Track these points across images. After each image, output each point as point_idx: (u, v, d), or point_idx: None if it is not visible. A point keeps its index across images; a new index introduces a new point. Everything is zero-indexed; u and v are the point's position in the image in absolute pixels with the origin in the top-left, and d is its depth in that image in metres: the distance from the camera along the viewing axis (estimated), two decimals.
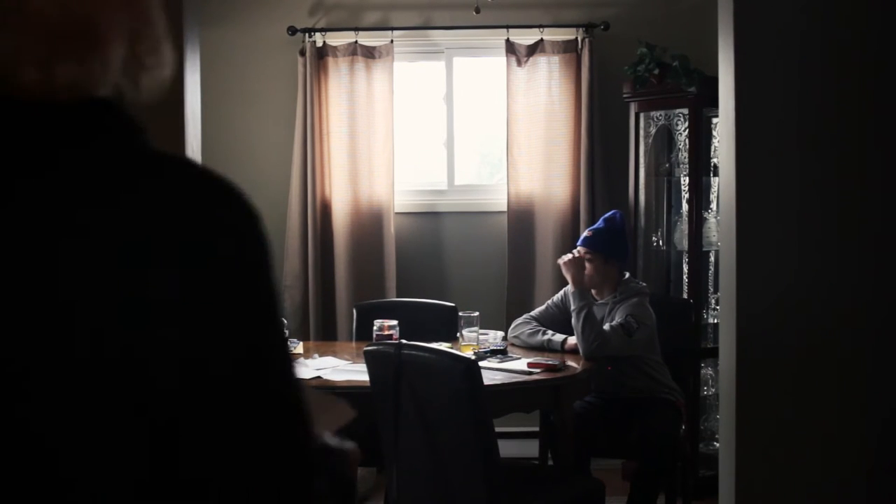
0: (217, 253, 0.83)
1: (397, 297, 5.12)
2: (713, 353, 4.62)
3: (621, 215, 4.32)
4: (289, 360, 0.90)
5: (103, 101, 0.85)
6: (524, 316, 4.36)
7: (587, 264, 4.18)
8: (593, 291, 4.24)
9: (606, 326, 4.04)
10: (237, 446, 0.84)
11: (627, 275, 4.25)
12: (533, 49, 5.23)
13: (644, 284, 4.33)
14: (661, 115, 4.99)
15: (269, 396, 0.86)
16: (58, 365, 0.79)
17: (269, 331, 0.87)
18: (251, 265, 0.86)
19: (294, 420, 0.87)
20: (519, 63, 5.24)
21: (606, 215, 4.33)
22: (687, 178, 4.85)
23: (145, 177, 0.83)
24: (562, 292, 4.38)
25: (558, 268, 5.18)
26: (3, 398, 0.79)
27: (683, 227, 4.90)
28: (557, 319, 4.28)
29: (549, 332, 4.20)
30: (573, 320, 4.04)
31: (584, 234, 4.30)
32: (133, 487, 0.82)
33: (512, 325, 4.35)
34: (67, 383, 0.80)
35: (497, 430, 3.21)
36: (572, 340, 4.09)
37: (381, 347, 3.37)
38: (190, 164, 0.87)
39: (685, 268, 4.94)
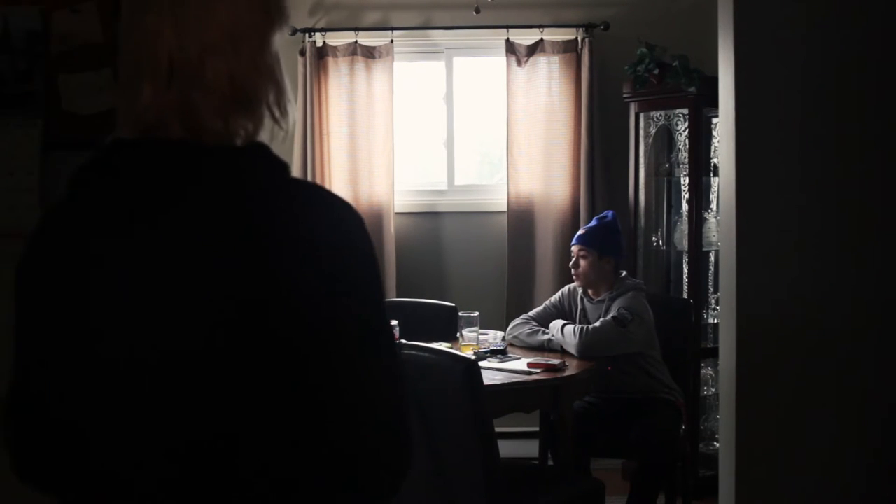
0: (350, 245, 1.20)
1: (397, 297, 5.12)
2: (713, 353, 4.62)
3: (614, 214, 4.33)
4: (389, 328, 1.24)
5: (260, 144, 1.23)
6: (521, 317, 4.36)
7: (581, 262, 4.19)
8: (590, 291, 4.25)
9: (598, 322, 4.05)
10: (365, 366, 1.19)
11: (624, 273, 4.26)
12: (533, 49, 5.23)
13: (640, 281, 4.34)
14: (661, 115, 4.99)
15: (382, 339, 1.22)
16: (283, 307, 1.15)
17: (380, 299, 1.23)
18: (368, 254, 1.21)
19: (396, 363, 1.22)
20: (519, 63, 5.24)
21: (599, 216, 4.35)
22: (687, 178, 4.86)
23: (293, 196, 1.20)
24: (559, 293, 4.38)
25: (558, 268, 5.20)
26: (264, 326, 1.14)
27: (683, 227, 4.90)
28: (556, 320, 4.28)
29: (549, 332, 4.20)
30: (555, 338, 4.06)
31: (578, 232, 4.32)
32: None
33: (510, 326, 4.35)
34: (294, 317, 1.16)
35: (497, 430, 3.21)
36: None
37: None
38: (316, 186, 1.26)
39: (685, 268, 4.94)
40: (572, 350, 3.99)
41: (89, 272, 1.18)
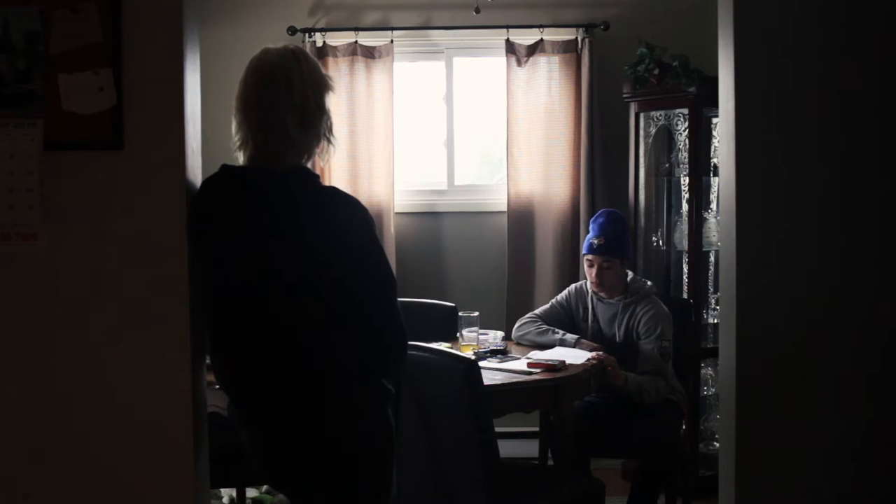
0: (356, 220, 2.32)
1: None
2: (713, 353, 4.63)
3: (620, 213, 4.31)
4: (384, 257, 2.36)
5: (305, 167, 2.42)
6: (529, 315, 4.34)
7: (606, 273, 4.15)
8: (602, 293, 4.22)
9: (652, 371, 4.02)
10: (369, 279, 2.33)
11: (631, 274, 4.25)
12: (533, 49, 5.23)
13: (651, 283, 4.31)
14: (661, 115, 4.99)
15: (379, 262, 2.34)
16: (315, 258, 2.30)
17: (376, 244, 2.34)
18: (367, 225, 2.33)
19: (389, 275, 2.38)
20: (519, 63, 5.24)
21: (607, 218, 4.21)
22: (687, 178, 4.86)
23: (327, 193, 2.39)
24: (566, 292, 4.37)
25: (558, 267, 5.20)
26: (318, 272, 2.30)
27: (683, 227, 4.90)
28: (562, 319, 4.27)
29: (560, 331, 4.17)
30: (629, 391, 4.01)
31: (595, 241, 4.15)
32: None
33: (517, 325, 4.32)
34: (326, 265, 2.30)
35: (497, 430, 3.21)
36: (585, 341, 4.10)
37: None
38: (335, 188, 2.44)
39: (685, 268, 4.95)
40: (656, 399, 4.01)
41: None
